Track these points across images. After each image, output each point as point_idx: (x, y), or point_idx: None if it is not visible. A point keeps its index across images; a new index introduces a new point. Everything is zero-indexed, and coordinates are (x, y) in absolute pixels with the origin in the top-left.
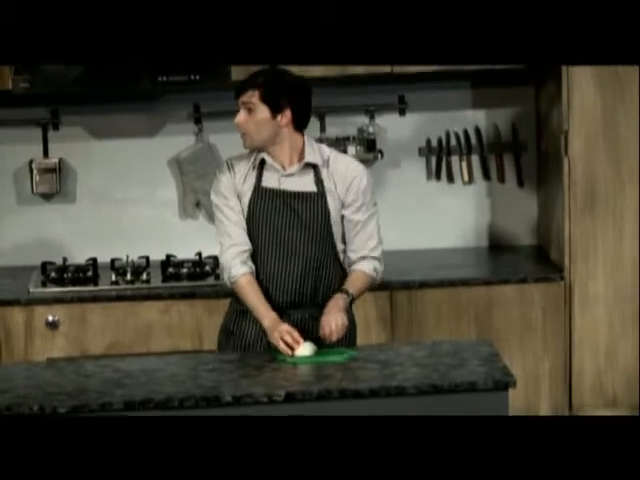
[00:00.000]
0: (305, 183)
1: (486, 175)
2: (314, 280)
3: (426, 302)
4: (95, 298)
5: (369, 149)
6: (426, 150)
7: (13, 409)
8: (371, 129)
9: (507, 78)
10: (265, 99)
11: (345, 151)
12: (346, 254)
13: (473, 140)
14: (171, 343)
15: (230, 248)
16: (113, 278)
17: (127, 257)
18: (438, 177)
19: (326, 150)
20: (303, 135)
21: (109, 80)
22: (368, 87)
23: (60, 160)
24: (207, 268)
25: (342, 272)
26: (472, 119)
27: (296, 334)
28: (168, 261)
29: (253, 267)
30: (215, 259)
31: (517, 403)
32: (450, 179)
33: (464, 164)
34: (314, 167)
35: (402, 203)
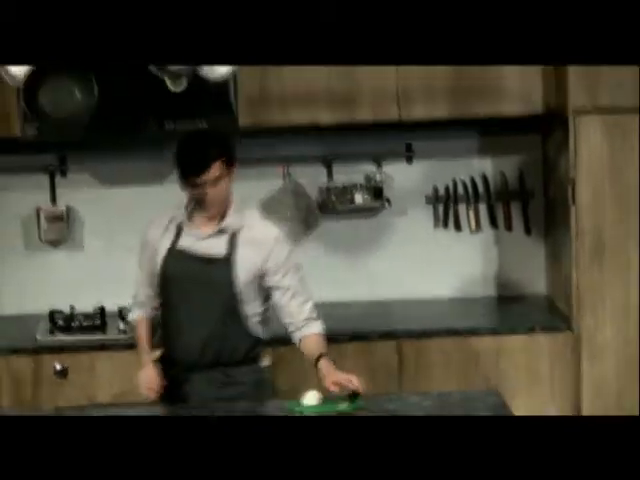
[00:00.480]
0: (218, 246)
1: (493, 223)
2: (219, 343)
3: (434, 351)
4: (103, 346)
5: (376, 197)
6: (433, 198)
7: None
8: (378, 177)
9: (514, 126)
10: (229, 164)
11: (352, 200)
12: (285, 321)
13: (480, 188)
14: None
15: (136, 292)
16: (121, 327)
17: None
18: (445, 225)
19: (247, 214)
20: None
21: (116, 127)
22: (375, 134)
23: (67, 208)
24: None
25: (249, 337)
26: (479, 167)
27: (154, 383)
28: None
29: (149, 311)
30: None
31: None
32: (457, 227)
33: (471, 212)
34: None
35: (409, 251)
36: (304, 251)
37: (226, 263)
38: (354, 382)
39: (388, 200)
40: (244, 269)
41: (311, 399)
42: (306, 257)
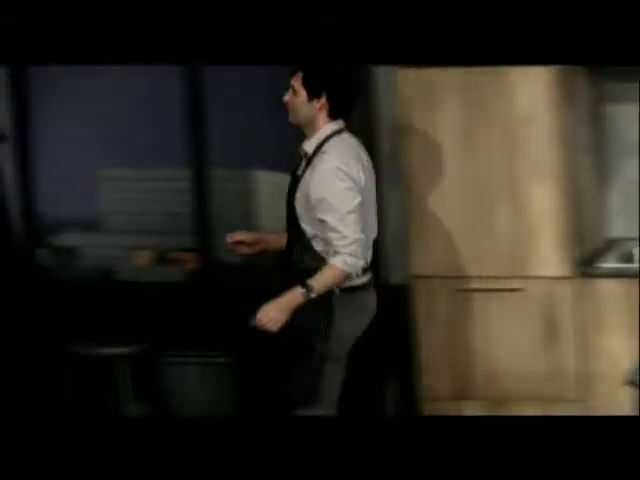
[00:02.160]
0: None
1: None
2: (299, 251)
3: None
4: None
5: None
6: None
7: None
8: None
9: None
10: (304, 83)
11: None
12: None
13: None
14: None
15: None
16: None
17: None
18: None
19: (327, 145)
20: (342, 123)
21: None
22: None
23: None
24: None
25: (312, 252)
26: None
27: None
28: None
29: None
30: None
31: None
32: None
33: None
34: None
35: None
36: None
37: (294, 183)
38: (261, 320)
39: None
40: (301, 192)
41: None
42: None
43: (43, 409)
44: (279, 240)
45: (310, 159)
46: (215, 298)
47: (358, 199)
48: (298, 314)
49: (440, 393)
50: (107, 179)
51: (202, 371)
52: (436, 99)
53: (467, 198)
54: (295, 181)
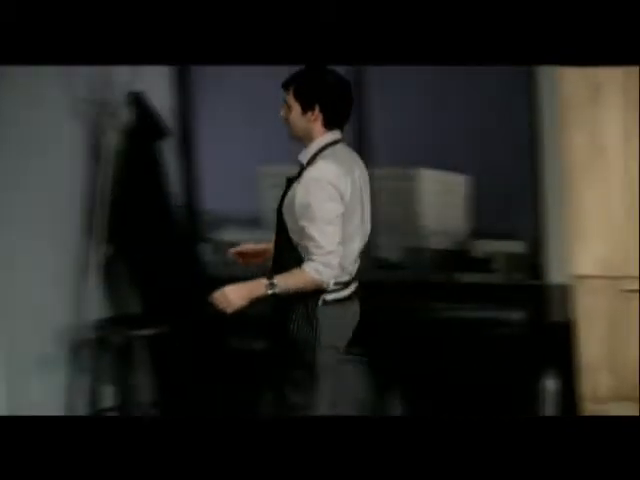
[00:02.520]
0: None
1: None
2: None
3: None
4: None
5: None
6: None
7: None
8: None
9: None
10: (297, 97)
11: None
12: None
13: None
14: None
15: None
16: None
17: None
18: None
19: (319, 156)
20: (338, 134)
21: None
22: None
23: None
24: None
25: (297, 259)
26: None
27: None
28: None
29: None
30: None
31: None
32: None
33: None
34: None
35: None
36: None
37: (285, 192)
38: (218, 299)
39: None
40: (288, 201)
41: None
42: None
43: (208, 407)
44: None
45: (303, 169)
46: (380, 296)
47: (339, 211)
48: (286, 327)
49: (600, 394)
50: (268, 176)
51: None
52: (599, 98)
53: (629, 198)
54: (287, 190)
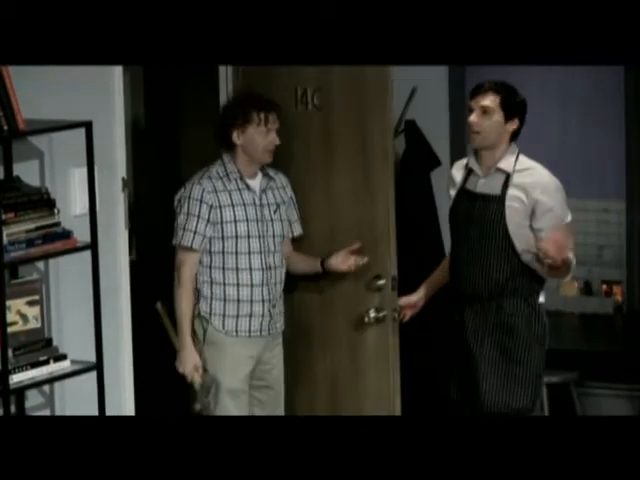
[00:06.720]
0: (492, 187)
1: None
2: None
3: None
4: None
5: None
6: None
7: None
8: None
9: None
10: (503, 105)
11: None
12: None
13: None
14: None
15: None
16: None
17: None
18: None
19: (528, 164)
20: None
21: None
22: None
23: None
24: None
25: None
26: None
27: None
28: None
29: None
30: None
31: None
32: None
33: None
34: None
35: None
36: None
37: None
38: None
39: None
40: (511, 208)
41: None
42: None
43: None
44: (441, 279)
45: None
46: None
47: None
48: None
49: None
50: None
51: (629, 403)
52: None
53: None
54: (487, 203)
